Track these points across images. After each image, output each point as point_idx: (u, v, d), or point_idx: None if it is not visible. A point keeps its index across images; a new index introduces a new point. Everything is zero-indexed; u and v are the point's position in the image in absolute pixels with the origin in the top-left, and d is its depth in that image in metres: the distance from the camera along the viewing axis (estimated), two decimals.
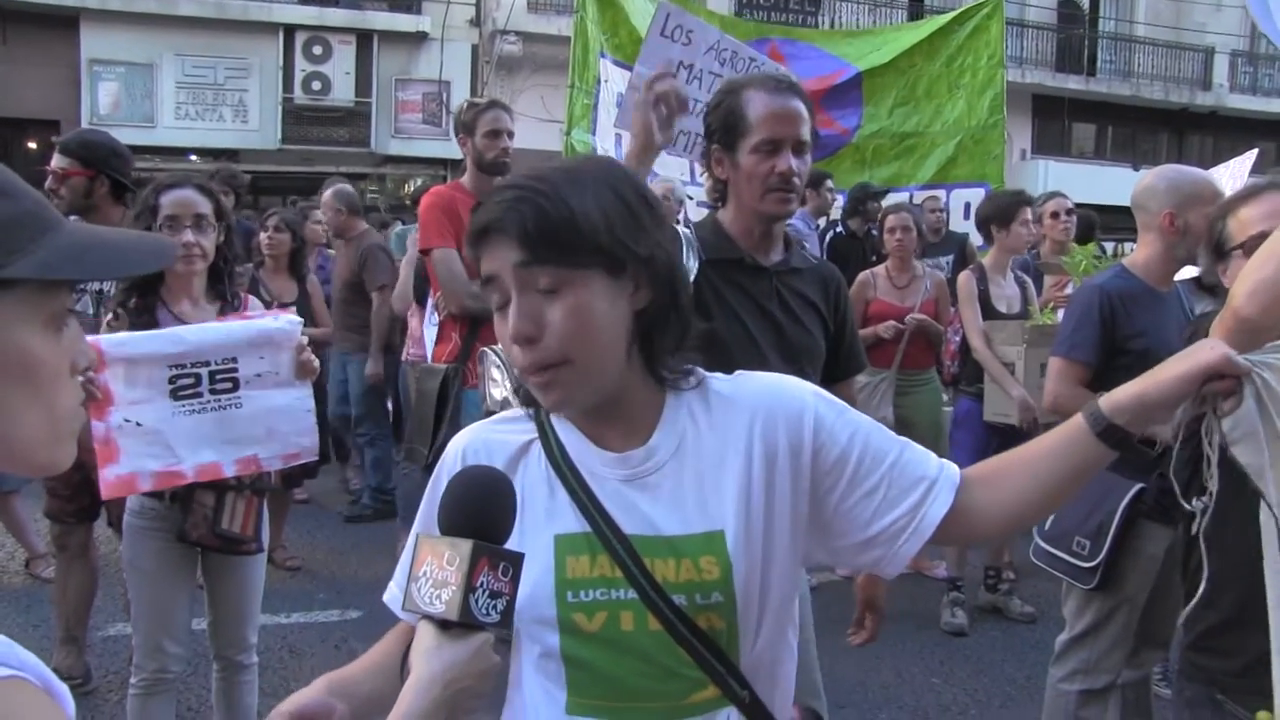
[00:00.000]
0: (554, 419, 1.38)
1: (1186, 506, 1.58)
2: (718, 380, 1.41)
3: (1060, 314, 4.70)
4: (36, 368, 0.86)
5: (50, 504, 4.06)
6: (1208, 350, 1.28)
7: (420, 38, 17.39)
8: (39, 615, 4.83)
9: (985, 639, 4.95)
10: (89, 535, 4.14)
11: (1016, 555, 5.56)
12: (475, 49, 17.90)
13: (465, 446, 1.42)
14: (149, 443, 2.76)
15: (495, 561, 1.09)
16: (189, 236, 2.86)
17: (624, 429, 1.35)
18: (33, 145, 15.98)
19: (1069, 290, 4.85)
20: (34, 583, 5.22)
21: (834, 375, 2.68)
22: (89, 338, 2.55)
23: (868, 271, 5.61)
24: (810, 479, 1.36)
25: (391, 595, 1.45)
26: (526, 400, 1.39)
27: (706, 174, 2.64)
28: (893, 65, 7.94)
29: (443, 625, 1.10)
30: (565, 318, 1.23)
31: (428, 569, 1.10)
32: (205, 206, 2.92)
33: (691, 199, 6.22)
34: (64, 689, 0.85)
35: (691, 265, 2.33)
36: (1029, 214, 5.15)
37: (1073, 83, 21.40)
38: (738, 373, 1.45)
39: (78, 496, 3.94)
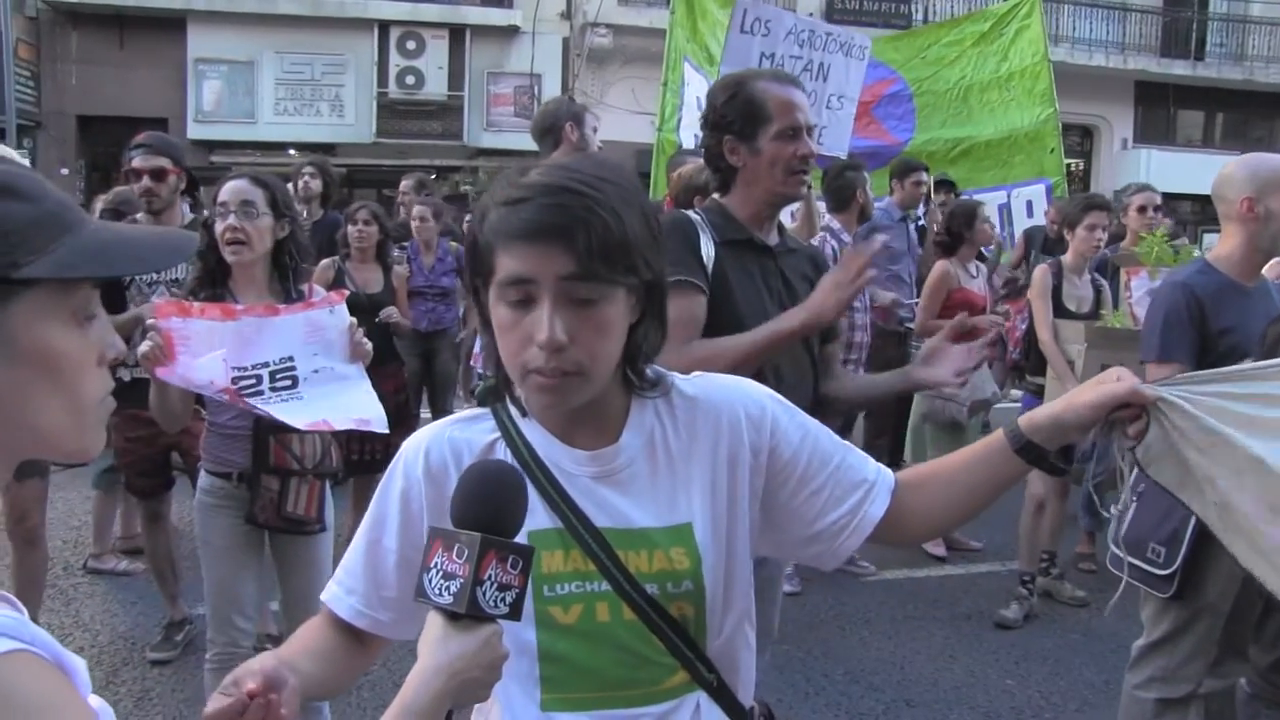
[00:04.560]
0: (517, 417, 1.39)
1: (1104, 515, 1.71)
2: (680, 380, 1.45)
3: (1135, 315, 4.62)
4: (58, 360, 0.90)
5: (142, 484, 4.45)
6: (1116, 382, 1.40)
7: (512, 31, 17.59)
8: (134, 593, 5.05)
9: (1064, 640, 4.83)
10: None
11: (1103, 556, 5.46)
12: (566, 42, 18.05)
13: (429, 443, 1.41)
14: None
15: (504, 554, 1.11)
16: (230, 221, 2.95)
17: (594, 428, 1.38)
18: None
19: (1140, 278, 4.76)
20: (129, 563, 5.39)
21: (820, 340, 2.82)
22: (163, 322, 2.69)
23: (944, 262, 5.67)
24: (765, 476, 1.44)
25: (332, 594, 1.46)
26: (484, 399, 1.42)
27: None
28: (940, 79, 7.90)
29: (451, 616, 1.11)
30: (594, 331, 1.26)
31: (438, 561, 1.12)
32: (254, 195, 3.00)
33: None
34: (76, 665, 0.90)
35: (708, 247, 2.51)
36: (1098, 218, 5.15)
37: (1179, 68, 20.67)
38: (697, 373, 1.50)
39: (160, 471, 4.40)
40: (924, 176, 6.73)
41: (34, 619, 3.27)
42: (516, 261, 1.24)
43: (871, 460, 1.52)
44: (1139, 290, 4.77)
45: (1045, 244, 7.80)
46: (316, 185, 6.76)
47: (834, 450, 1.47)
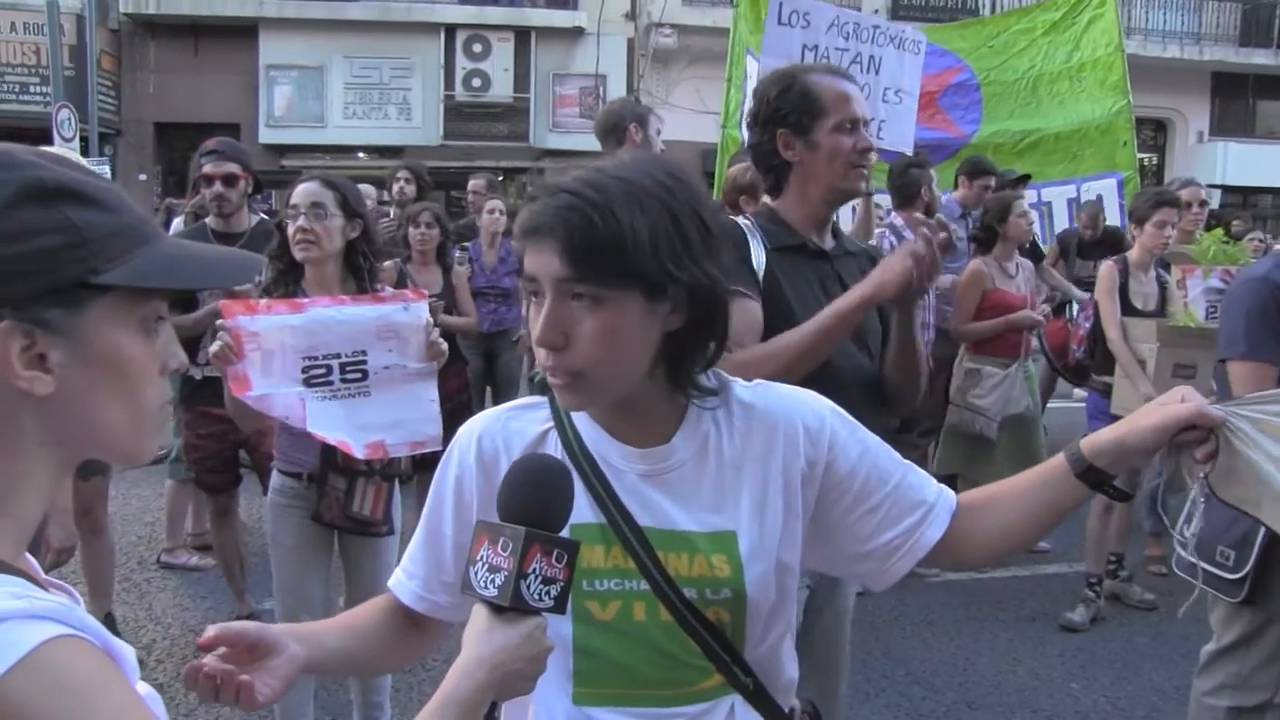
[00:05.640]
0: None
1: (1177, 538, 1.63)
2: (740, 387, 1.44)
3: (1198, 313, 4.50)
4: (126, 365, 0.95)
5: (211, 480, 4.56)
6: (1182, 403, 1.32)
7: (577, 33, 17.68)
8: (205, 588, 5.18)
9: (1132, 644, 4.73)
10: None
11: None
12: (631, 42, 18.09)
13: (482, 432, 1.42)
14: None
15: (549, 548, 1.12)
16: (300, 222, 3.01)
17: (643, 427, 1.37)
18: None
19: (1195, 277, 4.62)
20: (199, 558, 5.53)
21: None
22: (230, 321, 2.77)
23: (978, 261, 5.42)
24: (819, 490, 1.41)
25: (396, 580, 1.49)
26: (542, 388, 1.42)
27: (755, 162, 2.62)
28: (1009, 68, 7.72)
29: (496, 609, 1.13)
30: (593, 334, 1.24)
31: (484, 554, 1.13)
32: (324, 196, 3.04)
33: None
34: (124, 652, 0.94)
35: (758, 254, 2.39)
36: (1168, 214, 4.98)
37: (1260, 56, 20.05)
38: (757, 381, 1.47)
39: (228, 468, 4.51)
40: (992, 181, 6.60)
41: (108, 608, 3.39)
42: (527, 259, 1.27)
43: (934, 481, 1.48)
44: (1194, 290, 4.65)
45: (1080, 248, 7.61)
46: (411, 190, 6.85)
47: (893, 469, 1.45)
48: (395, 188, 6.93)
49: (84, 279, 0.90)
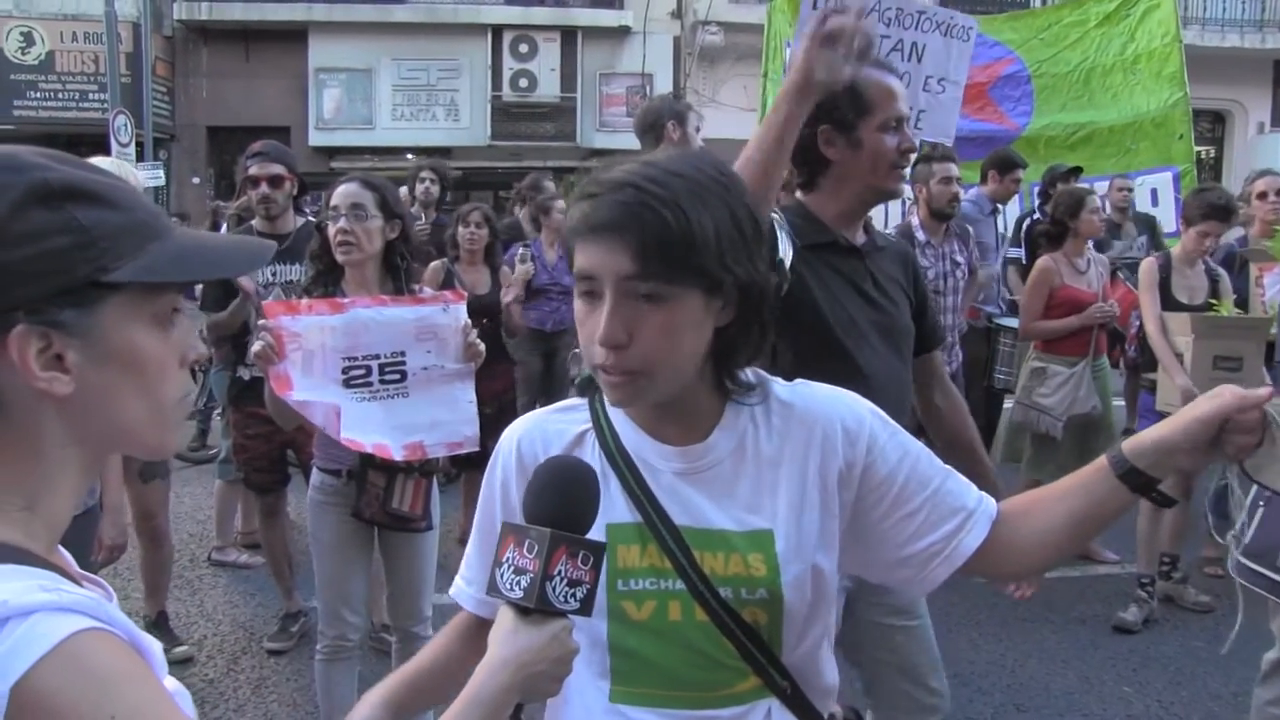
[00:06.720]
0: (610, 409, 1.39)
1: (1219, 540, 1.56)
2: (779, 386, 1.42)
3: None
4: (143, 361, 0.95)
5: (259, 480, 4.61)
6: (1225, 391, 1.26)
7: (623, 32, 17.66)
8: (254, 585, 5.26)
9: (1187, 648, 4.62)
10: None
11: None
12: (677, 41, 18.04)
13: (521, 435, 1.44)
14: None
15: (575, 550, 1.12)
16: (341, 224, 3.05)
17: (683, 425, 1.37)
18: None
19: (1273, 275, 4.49)
20: (249, 556, 5.62)
21: (922, 348, 2.63)
22: (273, 321, 2.82)
23: (1046, 258, 5.30)
24: (856, 492, 1.39)
25: (456, 589, 1.50)
26: (582, 389, 1.43)
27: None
28: (1061, 60, 7.61)
29: (522, 611, 1.13)
30: (657, 332, 1.24)
31: (510, 556, 1.14)
32: (364, 198, 3.08)
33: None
34: (152, 647, 0.95)
35: (785, 249, 2.30)
36: (1213, 228, 4.85)
37: None
38: (797, 381, 1.45)
39: (276, 468, 4.55)
40: (1021, 175, 6.51)
41: (162, 608, 3.48)
42: (583, 257, 1.25)
43: (975, 489, 1.44)
44: (1272, 287, 4.53)
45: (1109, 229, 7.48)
46: (436, 190, 6.87)
47: (934, 474, 1.42)
48: (420, 188, 6.87)
49: (95, 278, 0.90)
